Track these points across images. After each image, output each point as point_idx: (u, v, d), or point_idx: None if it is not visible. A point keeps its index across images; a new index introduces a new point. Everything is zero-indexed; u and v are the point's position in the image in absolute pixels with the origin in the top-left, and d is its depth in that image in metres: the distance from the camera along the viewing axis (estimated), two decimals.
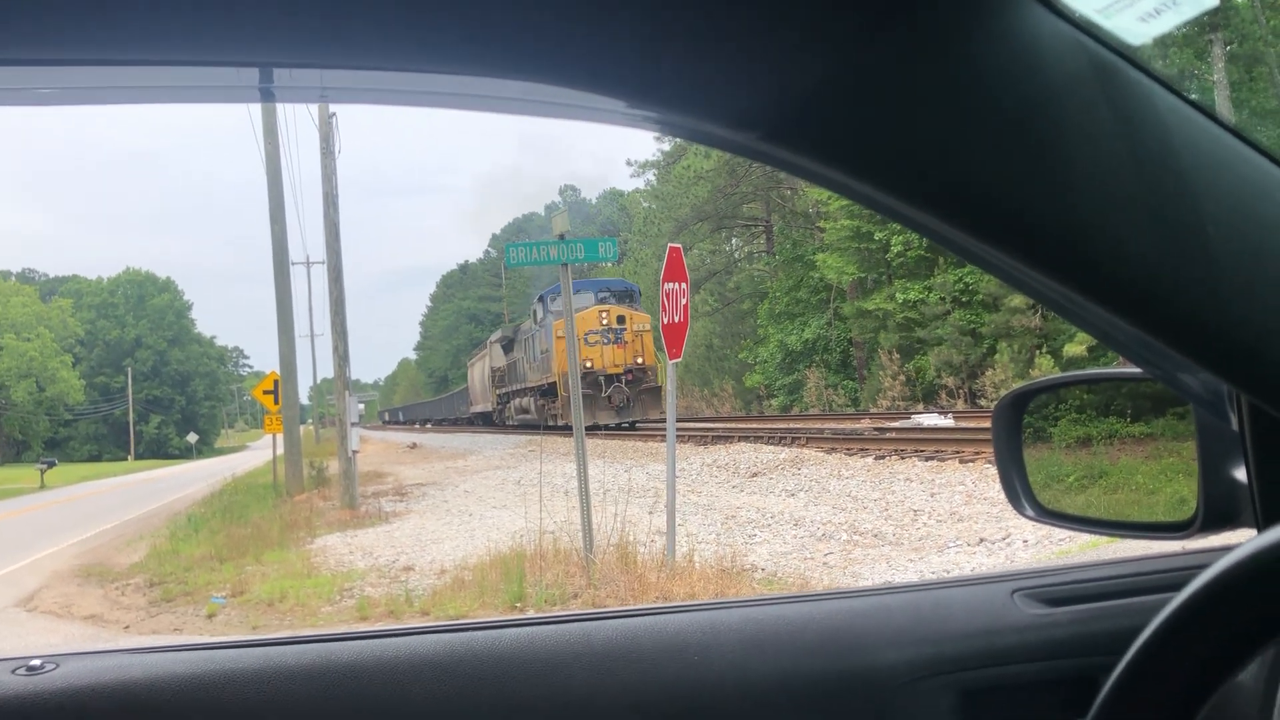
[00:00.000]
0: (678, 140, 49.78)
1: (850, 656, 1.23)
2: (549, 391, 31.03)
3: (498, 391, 41.24)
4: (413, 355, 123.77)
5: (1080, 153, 0.68)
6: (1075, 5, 0.68)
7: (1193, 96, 0.71)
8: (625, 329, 28.36)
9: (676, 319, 8.25)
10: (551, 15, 0.64)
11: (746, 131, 0.69)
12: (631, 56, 0.66)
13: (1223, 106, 25.76)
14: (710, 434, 20.58)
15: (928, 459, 13.24)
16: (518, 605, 7.48)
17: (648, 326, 28.70)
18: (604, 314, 28.47)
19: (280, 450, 20.56)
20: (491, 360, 42.41)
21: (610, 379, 27.79)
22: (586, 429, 20.44)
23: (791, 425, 20.70)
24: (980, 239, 0.71)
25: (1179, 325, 0.73)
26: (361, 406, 19.84)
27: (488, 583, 8.06)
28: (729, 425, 24.25)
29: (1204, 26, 27.03)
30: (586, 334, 27.07)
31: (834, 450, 15.47)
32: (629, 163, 57.03)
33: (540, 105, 0.74)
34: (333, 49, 0.65)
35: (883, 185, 0.70)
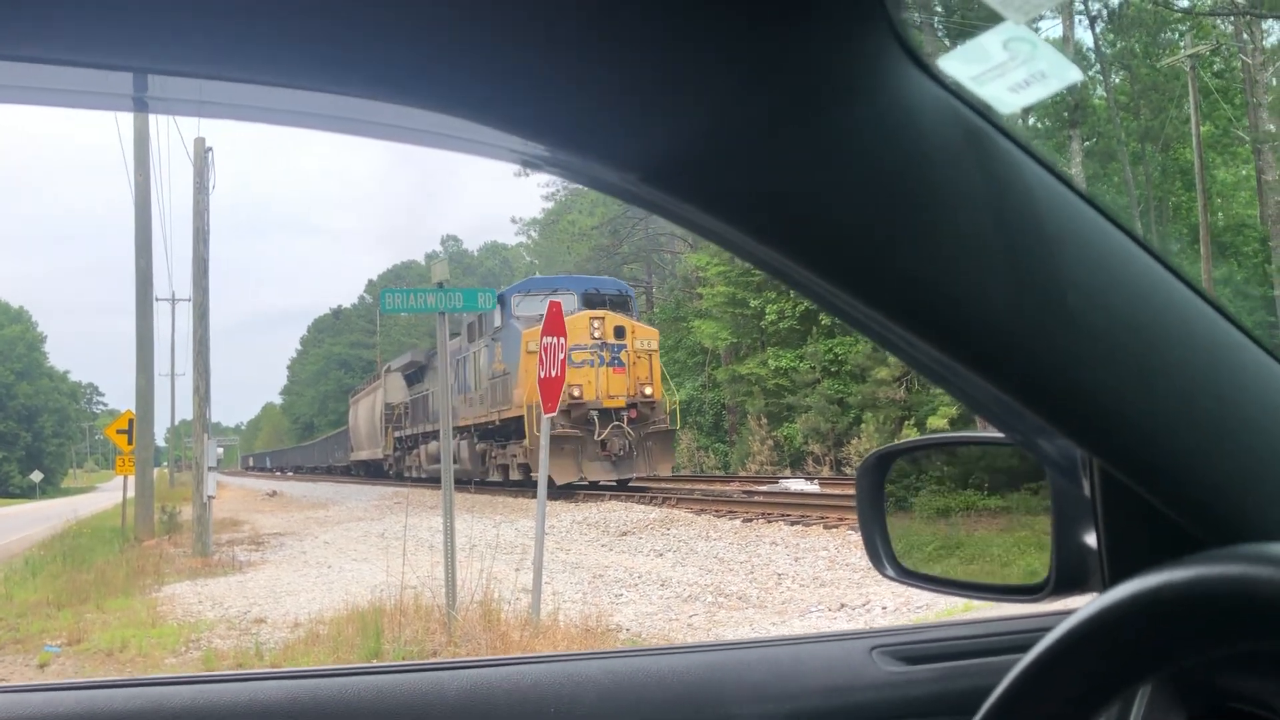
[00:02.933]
0: (562, 198, 50.25)
1: (709, 711, 1.21)
2: (501, 431, 22.54)
3: (395, 434, 32.80)
4: (278, 400, 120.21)
5: (949, 215, 0.69)
6: (949, 70, 0.69)
7: (1058, 169, 0.73)
8: (625, 346, 20.45)
9: (554, 373, 8.22)
10: (442, 42, 0.62)
11: (627, 173, 0.69)
12: (520, 90, 0.65)
13: (1075, 179, 27.27)
14: (582, 491, 20.47)
15: (793, 523, 13.44)
16: (373, 662, 7.23)
17: (655, 344, 21.26)
18: (596, 323, 20.32)
19: (131, 493, 19.57)
20: (386, 394, 33.99)
21: (606, 416, 19.80)
22: (567, 487, 18.98)
23: (663, 485, 20.75)
24: (849, 293, 0.72)
25: (1036, 388, 0.75)
26: (220, 450, 18.76)
27: (343, 638, 7.78)
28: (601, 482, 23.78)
29: (1063, 122, 28.76)
30: (571, 349, 20.99)
31: (703, 511, 15.56)
32: (514, 219, 57.14)
33: (424, 135, 0.72)
34: (213, 58, 0.61)
35: (756, 236, 0.71)
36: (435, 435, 26.38)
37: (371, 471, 38.79)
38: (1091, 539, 0.95)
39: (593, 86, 0.65)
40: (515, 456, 22.03)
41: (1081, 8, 29.61)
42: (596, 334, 20.27)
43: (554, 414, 8.36)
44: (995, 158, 0.70)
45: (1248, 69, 28.56)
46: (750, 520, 14.21)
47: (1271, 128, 27.22)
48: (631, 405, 20.03)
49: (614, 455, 19.78)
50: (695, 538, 13.54)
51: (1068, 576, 1.00)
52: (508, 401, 21.69)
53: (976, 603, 1.25)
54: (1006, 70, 0.67)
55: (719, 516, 14.90)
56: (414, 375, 31.34)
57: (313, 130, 0.72)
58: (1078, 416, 0.76)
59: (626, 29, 0.63)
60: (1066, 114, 28.63)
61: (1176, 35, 29.61)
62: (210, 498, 15.35)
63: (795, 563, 11.06)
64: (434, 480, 26.01)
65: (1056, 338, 0.72)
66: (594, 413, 19.68)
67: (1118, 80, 30.78)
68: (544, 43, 0.62)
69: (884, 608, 8.45)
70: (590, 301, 21.71)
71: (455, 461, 25.46)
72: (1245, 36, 28.06)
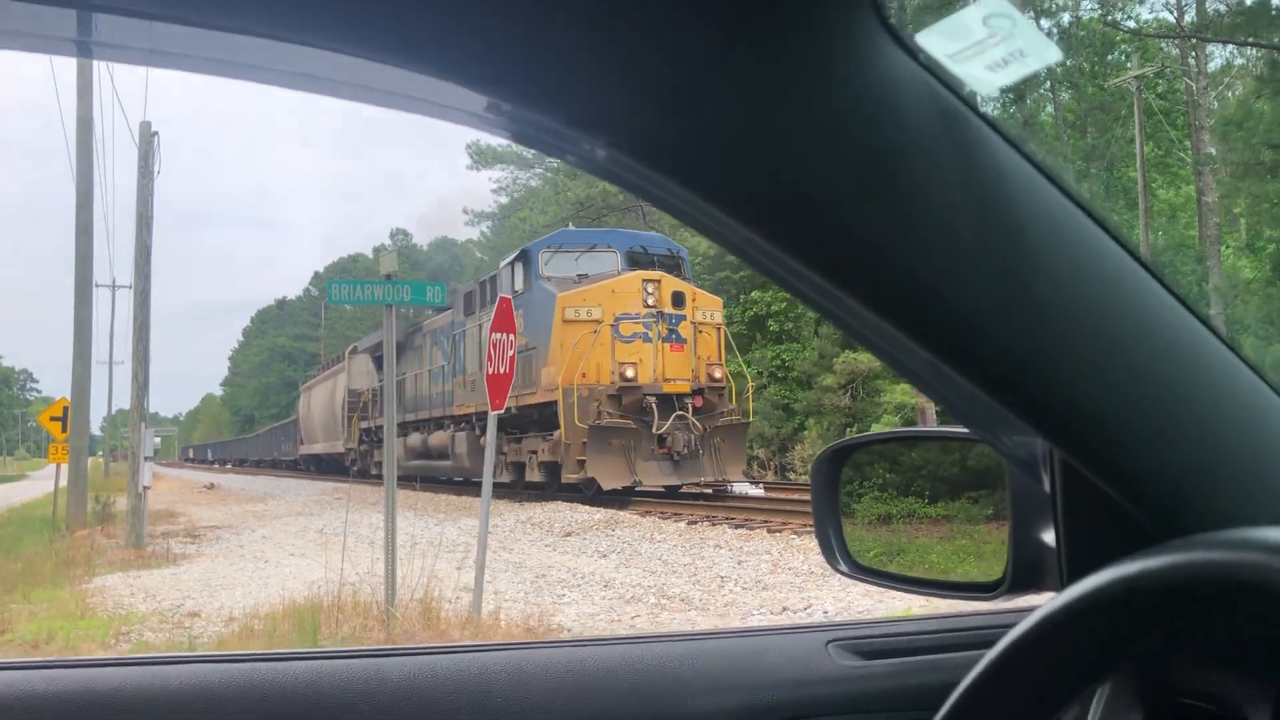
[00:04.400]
0: (515, 194, 50.02)
1: (663, 701, 1.18)
2: (517, 421, 18.37)
3: (361, 425, 28.10)
4: (219, 391, 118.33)
5: (922, 198, 0.68)
6: (928, 46, 0.67)
7: (1032, 155, 0.71)
8: (686, 316, 16.59)
9: (503, 370, 8.16)
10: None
11: (606, 148, 0.67)
12: (486, 46, 0.62)
13: (1049, 164, 27.75)
14: (527, 491, 20.35)
15: (737, 526, 13.48)
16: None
17: (720, 315, 17.55)
18: (650, 286, 16.42)
19: (64, 482, 19.11)
20: (351, 379, 28.95)
21: (666, 404, 15.86)
22: (616, 492, 15.79)
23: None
24: (818, 274, 0.70)
25: (1003, 378, 0.73)
26: (158, 441, 18.31)
27: (279, 633, 7.64)
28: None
29: (1013, 137, 29.14)
30: (620, 319, 16.14)
31: (648, 513, 15.55)
32: (465, 211, 56.86)
33: (384, 95, 0.68)
34: None
35: (731, 213, 0.68)
36: (414, 426, 23.47)
37: (327, 468, 34.58)
38: (1050, 537, 0.95)
39: (574, 56, 0.62)
40: (538, 453, 17.91)
41: (1031, 18, 30.12)
42: (650, 301, 16.27)
43: (500, 411, 8.29)
44: (970, 140, 0.69)
45: (1191, 92, 29.25)
46: (695, 523, 14.23)
47: (1212, 151, 27.88)
48: (697, 391, 16.11)
49: (675, 454, 15.69)
50: (640, 539, 13.53)
51: (1024, 575, 0.99)
52: (530, 383, 17.37)
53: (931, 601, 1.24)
54: (985, 48, 0.65)
55: (664, 519, 14.90)
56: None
57: (275, 87, 0.68)
58: (1043, 408, 0.75)
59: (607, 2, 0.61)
60: (1014, 129, 29.03)
61: (1123, 56, 30.24)
62: (146, 488, 15.05)
63: (739, 566, 11.09)
64: (412, 479, 22.56)
65: (1025, 327, 0.71)
66: (651, 400, 15.66)
67: (1066, 98, 31.37)
68: (540, 16, 0.60)
69: (825, 611, 8.50)
70: (636, 261, 17.73)
71: (448, 458, 21.40)
72: (1190, 60, 28.74)
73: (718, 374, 16.76)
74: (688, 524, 14.24)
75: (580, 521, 15.47)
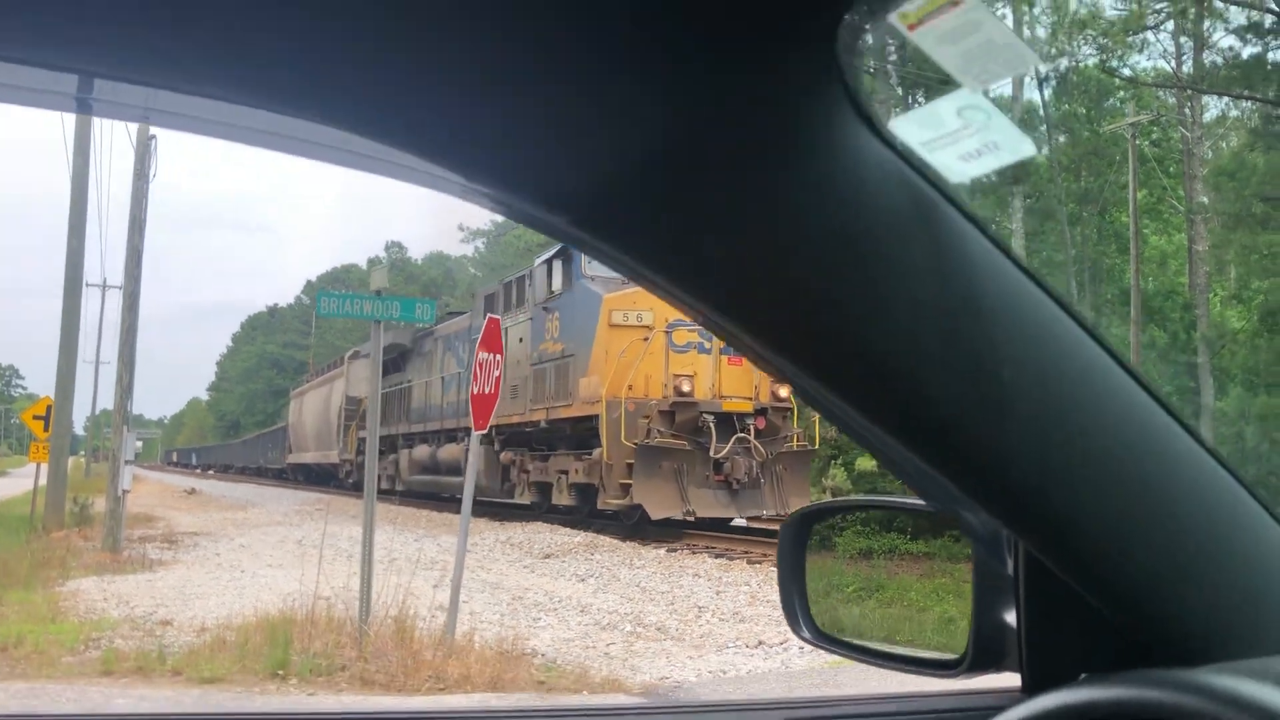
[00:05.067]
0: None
1: None
2: (545, 437, 17.11)
3: (360, 435, 25.61)
4: (205, 396, 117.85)
5: (888, 280, 0.67)
6: (901, 133, 0.67)
7: (1002, 242, 0.71)
8: None
9: (488, 390, 8.14)
10: (385, 75, 0.61)
11: (561, 215, 0.66)
12: (459, 128, 0.63)
13: (1017, 252, 27.95)
14: (508, 511, 20.24)
15: (718, 556, 13.42)
16: (279, 673, 7.05)
17: None
18: None
19: (44, 481, 18.98)
20: (350, 385, 26.70)
21: (725, 424, 14.08)
22: (663, 522, 13.65)
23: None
24: (775, 351, 0.70)
25: (965, 465, 0.73)
26: (139, 444, 18.09)
27: (250, 645, 7.57)
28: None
29: (1007, 178, 29.43)
30: (673, 326, 14.27)
31: (628, 538, 15.49)
32: (460, 228, 56.88)
33: (367, 160, 0.70)
34: (160, 68, 0.59)
35: (692, 289, 0.68)
36: (421, 438, 22.02)
37: (316, 478, 32.37)
38: (1011, 616, 0.94)
39: (540, 136, 0.63)
40: (571, 473, 16.19)
41: (1030, 69, 30.38)
42: None
43: (484, 431, 8.26)
44: (940, 225, 0.69)
45: (1186, 141, 29.51)
46: (675, 550, 14.18)
47: (1204, 200, 28.11)
48: (760, 411, 14.25)
49: (735, 481, 13.90)
50: (618, 564, 13.47)
51: (985, 653, 0.98)
52: (566, 395, 16.00)
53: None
54: (958, 138, 0.65)
55: (644, 544, 14.85)
56: (389, 364, 24.07)
57: (255, 147, 0.71)
58: (1004, 496, 0.74)
59: (569, 71, 0.61)
60: (1010, 171, 29.30)
61: (1119, 103, 30.50)
62: (125, 491, 14.95)
63: (716, 596, 11.05)
64: (417, 495, 21.19)
65: (988, 415, 0.71)
66: (708, 419, 13.86)
67: (1061, 141, 31.61)
68: (484, 82, 0.61)
69: (801, 648, 8.46)
70: None
71: (461, 474, 17.60)
72: (1186, 110, 29.00)
73: (783, 393, 14.48)
74: (667, 551, 14.18)
75: (560, 544, 15.40)
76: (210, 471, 62.89)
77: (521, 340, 17.84)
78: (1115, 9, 27.55)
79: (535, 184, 0.64)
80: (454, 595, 7.91)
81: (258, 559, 14.32)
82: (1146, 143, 29.34)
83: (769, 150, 0.63)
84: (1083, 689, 0.60)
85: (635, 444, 14.13)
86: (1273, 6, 24.16)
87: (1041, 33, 29.03)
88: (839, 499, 1.64)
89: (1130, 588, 0.76)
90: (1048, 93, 31.91)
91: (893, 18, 0.59)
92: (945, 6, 0.57)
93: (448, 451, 21.03)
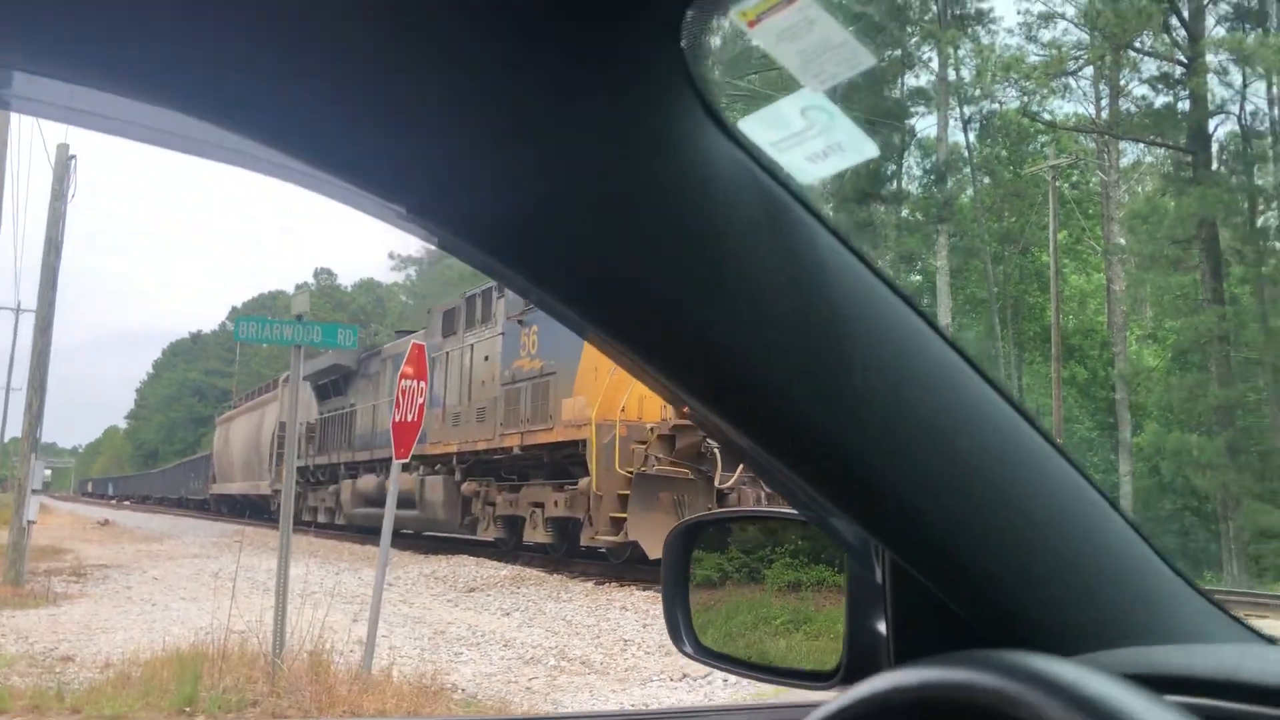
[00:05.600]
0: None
1: None
2: (517, 465, 15.83)
3: (298, 465, 21.65)
4: (123, 424, 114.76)
5: (741, 283, 0.66)
6: (750, 133, 0.66)
7: (852, 244, 0.70)
8: None
9: (410, 418, 8.03)
10: (297, 91, 0.60)
11: (435, 228, 0.66)
12: (316, 119, 0.62)
13: (942, 289, 28.54)
14: (433, 544, 19.94)
15: (646, 588, 13.36)
16: (186, 709, 6.82)
17: None
18: None
19: None
20: (284, 410, 23.57)
21: (730, 450, 6.06)
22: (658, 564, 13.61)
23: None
24: (637, 354, 0.68)
25: (822, 470, 0.72)
26: (48, 472, 17.42)
27: (156, 682, 7.32)
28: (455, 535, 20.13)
29: (932, 217, 30.08)
30: None
31: (555, 571, 15.36)
32: (391, 255, 56.39)
33: (285, 171, 0.68)
34: (82, 65, 0.58)
35: (555, 293, 0.67)
36: (366, 466, 20.34)
37: (243, 510, 30.69)
38: (883, 626, 0.93)
39: (390, 141, 0.62)
40: (549, 505, 14.85)
41: (956, 111, 31.19)
42: None
43: (405, 459, 8.14)
44: (791, 227, 0.68)
45: (1104, 184, 30.46)
46: (603, 583, 14.08)
47: (1122, 241, 29.01)
48: None
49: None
50: (545, 598, 13.34)
51: (859, 663, 0.97)
52: (545, 417, 14.52)
53: None
54: (804, 138, 0.64)
55: (571, 577, 14.73)
56: (330, 387, 22.54)
57: (175, 151, 0.71)
58: (861, 501, 0.74)
59: (430, 85, 0.60)
60: (935, 210, 29.94)
61: (1041, 146, 31.42)
62: (30, 522, 14.43)
63: (643, 629, 10.98)
64: (360, 530, 19.44)
65: (841, 418, 0.70)
66: (713, 445, 12.09)
67: (985, 182, 32.42)
68: (373, 101, 0.61)
69: (725, 680, 8.43)
70: None
71: (414, 507, 17.57)
72: (1104, 155, 29.97)
73: None
74: (595, 584, 14.08)
75: (485, 577, 15.21)
76: (127, 502, 61.13)
77: (488, 358, 16.22)
78: (1037, 54, 28.47)
79: (397, 189, 0.63)
80: (371, 629, 7.76)
81: (171, 592, 13.92)
82: (1066, 185, 30.22)
83: (613, 143, 0.62)
84: (890, 674, 0.60)
85: (631, 472, 12.69)
86: (1181, 59, 25.12)
87: (966, 75, 29.87)
88: (721, 510, 1.63)
89: (985, 589, 0.77)
90: (972, 135, 32.78)
91: (733, 14, 0.58)
92: (781, 3, 0.56)
93: (400, 482, 19.66)
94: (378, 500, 19.06)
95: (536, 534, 15.51)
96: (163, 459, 77.39)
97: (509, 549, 16.55)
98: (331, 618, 8.59)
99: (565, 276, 0.65)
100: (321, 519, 22.48)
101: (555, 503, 14.63)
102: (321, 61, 0.59)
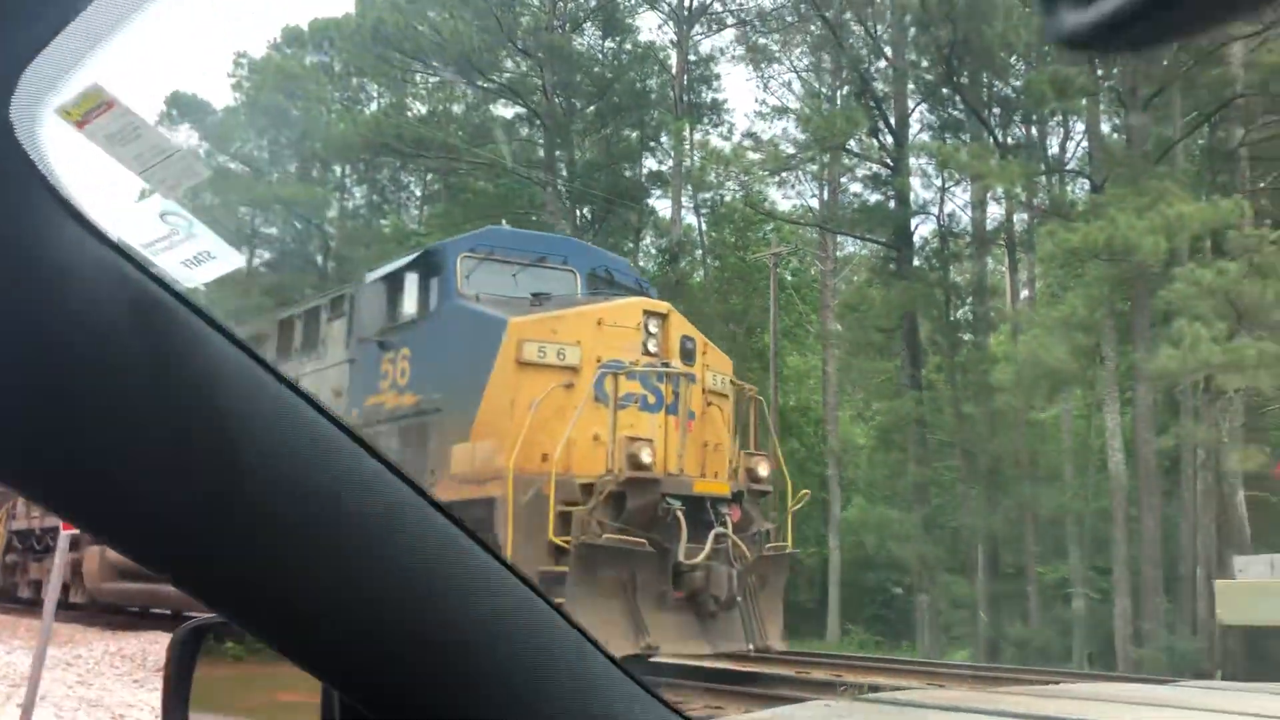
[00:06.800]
0: None
1: None
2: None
3: (9, 526, 20.31)
4: None
5: (109, 390, 0.64)
6: (122, 237, 0.67)
7: (241, 339, 0.69)
8: (695, 377, 10.49)
9: None
10: None
11: None
12: None
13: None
14: (121, 619, 18.19)
15: None
16: None
17: (728, 385, 11.44)
18: (653, 324, 10.37)
19: None
20: None
21: (696, 511, 9.52)
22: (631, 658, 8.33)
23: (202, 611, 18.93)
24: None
25: (227, 593, 0.70)
26: None
27: None
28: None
29: (669, 295, 31.05)
30: (604, 369, 9.89)
31: None
32: None
33: None
34: None
35: None
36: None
37: None
38: None
39: None
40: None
41: (689, 193, 32.68)
42: (653, 346, 10.18)
43: (72, 532, 7.46)
44: (171, 326, 0.66)
45: (822, 274, 32.67)
46: None
47: (836, 326, 31.11)
48: (735, 497, 9.90)
49: (712, 599, 9.39)
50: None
51: None
52: (423, 470, 10.52)
53: None
54: (174, 243, 0.66)
55: None
56: None
57: None
58: (310, 647, 0.71)
59: None
60: (670, 290, 31.05)
61: (765, 234, 33.36)
62: None
63: None
64: (112, 609, 17.20)
65: (248, 536, 0.67)
66: (675, 507, 9.35)
67: (714, 264, 34.01)
68: None
69: None
70: (598, 289, 11.58)
71: None
72: (823, 247, 32.23)
73: (763, 471, 10.56)
74: None
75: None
76: None
77: (340, 394, 12.37)
78: (757, 152, 30.39)
79: None
80: (26, 712, 7.02)
81: None
82: (787, 272, 32.15)
83: None
84: None
85: (569, 542, 9.36)
86: (888, 162, 27.55)
87: (697, 161, 31.37)
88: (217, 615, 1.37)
89: (408, 699, 0.74)
90: (703, 220, 34.40)
91: (55, 112, 0.57)
92: (101, 107, 0.57)
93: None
94: (135, 573, 15.37)
95: None
96: None
97: None
98: None
99: None
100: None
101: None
102: None
